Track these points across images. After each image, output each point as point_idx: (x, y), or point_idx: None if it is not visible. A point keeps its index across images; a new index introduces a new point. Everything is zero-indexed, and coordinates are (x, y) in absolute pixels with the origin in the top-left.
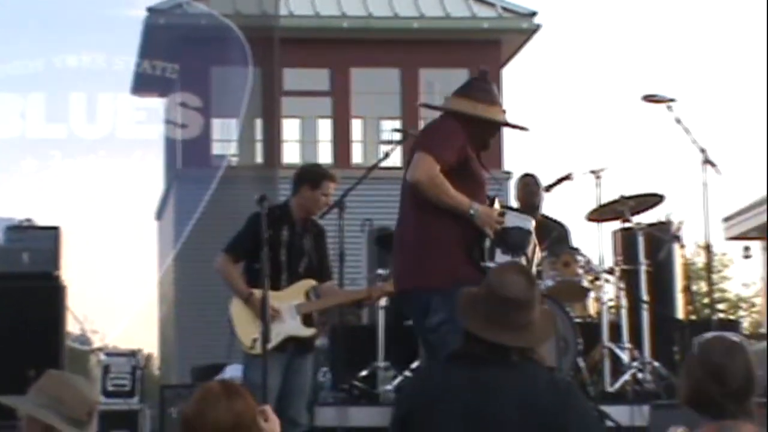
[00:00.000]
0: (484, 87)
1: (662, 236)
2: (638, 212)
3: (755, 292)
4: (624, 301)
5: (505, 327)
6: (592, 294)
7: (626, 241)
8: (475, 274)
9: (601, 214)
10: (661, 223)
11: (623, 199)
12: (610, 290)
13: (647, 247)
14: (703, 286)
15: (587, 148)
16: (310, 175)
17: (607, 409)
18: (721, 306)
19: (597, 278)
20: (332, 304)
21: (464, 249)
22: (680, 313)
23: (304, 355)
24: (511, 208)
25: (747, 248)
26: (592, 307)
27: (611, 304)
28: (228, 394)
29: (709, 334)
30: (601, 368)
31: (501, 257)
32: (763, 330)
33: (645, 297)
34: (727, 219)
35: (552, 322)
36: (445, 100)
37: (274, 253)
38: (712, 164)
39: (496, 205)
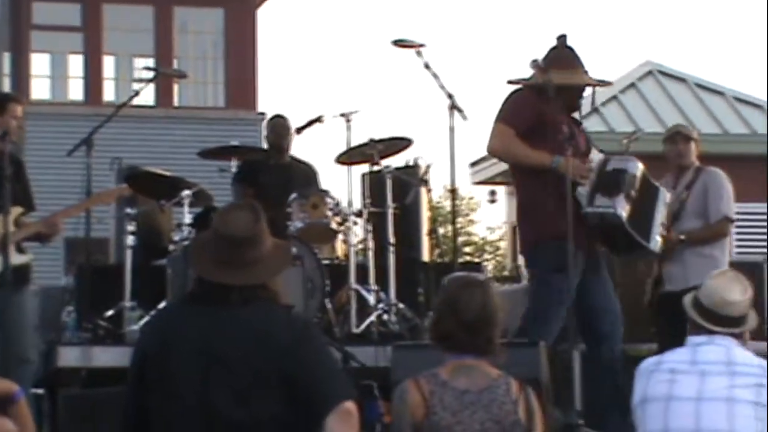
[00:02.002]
0: (557, 54)
1: (410, 180)
2: (387, 156)
3: (500, 235)
4: (371, 244)
5: (230, 266)
6: (340, 236)
7: (375, 184)
8: (570, 225)
9: (350, 156)
10: (409, 166)
11: (372, 143)
12: (359, 232)
13: (395, 191)
14: (450, 230)
15: (338, 91)
16: None
17: (352, 350)
18: (467, 249)
19: (345, 220)
20: (47, 225)
21: (556, 202)
22: (425, 256)
23: (21, 288)
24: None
25: (493, 192)
26: (340, 249)
27: (359, 246)
28: None
29: (457, 273)
30: (347, 310)
31: (600, 199)
32: (506, 273)
33: (392, 239)
34: (473, 164)
35: (287, 254)
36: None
37: None
38: (459, 110)
39: (594, 155)
